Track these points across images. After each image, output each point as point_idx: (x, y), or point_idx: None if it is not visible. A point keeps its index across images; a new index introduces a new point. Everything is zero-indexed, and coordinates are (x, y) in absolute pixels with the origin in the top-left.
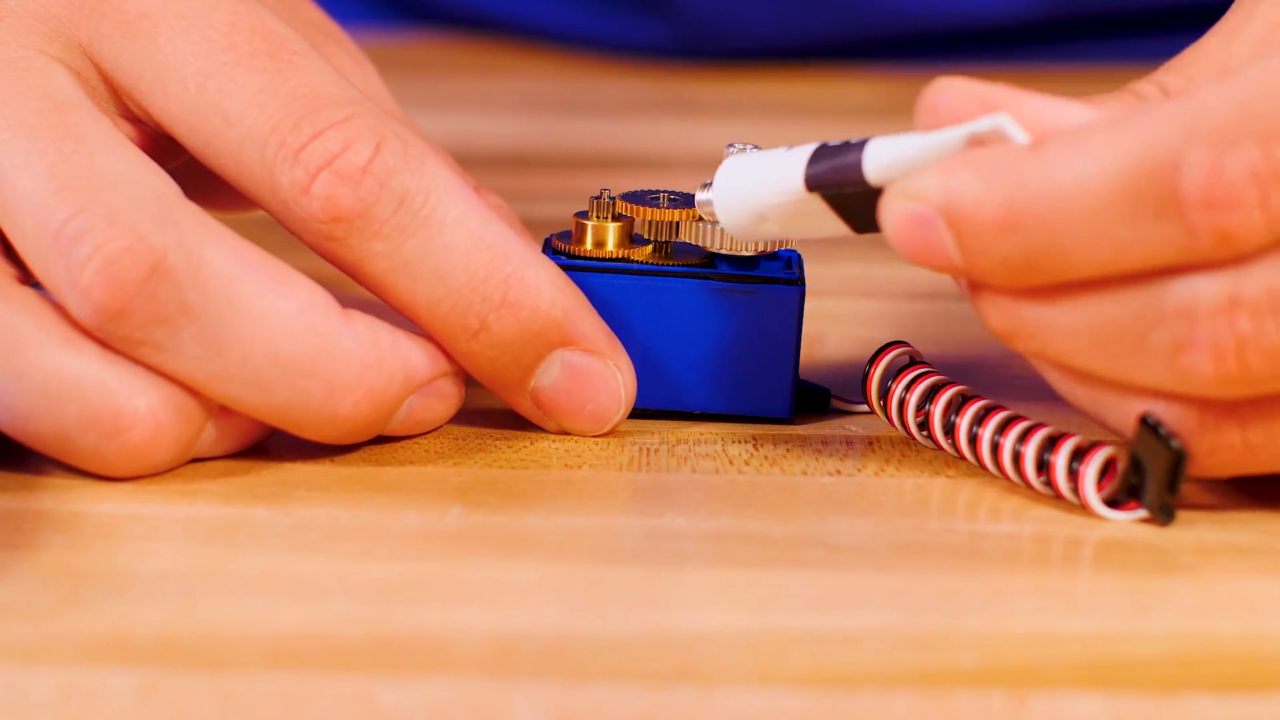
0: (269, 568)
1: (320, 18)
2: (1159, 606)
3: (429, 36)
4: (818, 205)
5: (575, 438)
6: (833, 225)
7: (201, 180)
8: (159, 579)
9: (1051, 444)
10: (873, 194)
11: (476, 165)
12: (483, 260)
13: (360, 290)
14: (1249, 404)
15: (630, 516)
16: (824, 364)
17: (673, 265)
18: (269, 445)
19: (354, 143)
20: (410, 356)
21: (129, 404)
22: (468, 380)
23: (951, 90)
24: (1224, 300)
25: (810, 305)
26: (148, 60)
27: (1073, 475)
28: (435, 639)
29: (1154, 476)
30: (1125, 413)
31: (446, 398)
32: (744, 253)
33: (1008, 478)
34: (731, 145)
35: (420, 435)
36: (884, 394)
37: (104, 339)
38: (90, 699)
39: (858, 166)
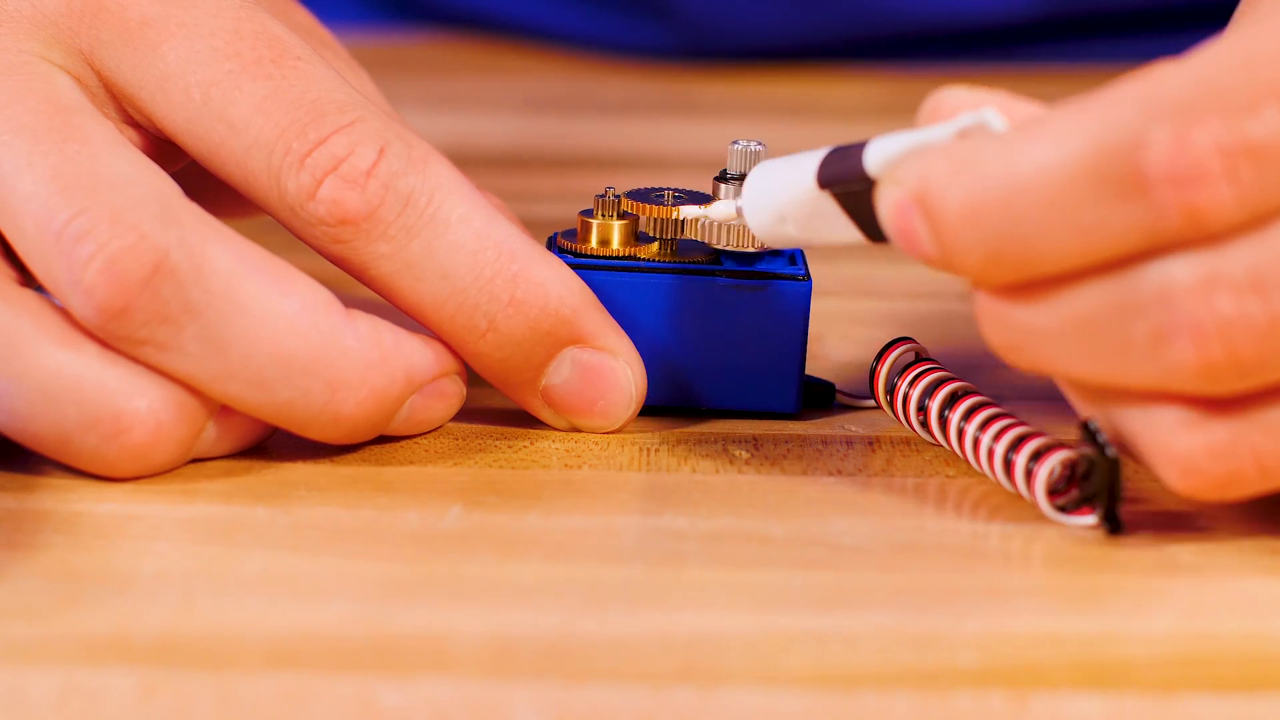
0: (269, 568)
1: (312, 23)
2: (1159, 606)
3: (429, 36)
4: (829, 205)
5: (575, 437)
6: (845, 228)
7: (202, 186)
8: (159, 579)
9: (1017, 444)
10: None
11: (476, 165)
12: (489, 259)
13: (362, 290)
14: (1248, 402)
15: (630, 516)
16: (824, 363)
17: (679, 262)
18: (269, 445)
19: (358, 146)
20: (413, 356)
21: (129, 405)
22: (469, 379)
23: (952, 97)
24: (1201, 281)
25: (811, 304)
26: (150, 69)
27: (1029, 475)
28: (435, 639)
29: (1101, 485)
30: (1135, 428)
31: (448, 397)
32: (749, 249)
33: (985, 474)
34: (736, 143)
35: (421, 435)
36: (890, 389)
37: (106, 339)
38: (90, 699)
39: (860, 161)
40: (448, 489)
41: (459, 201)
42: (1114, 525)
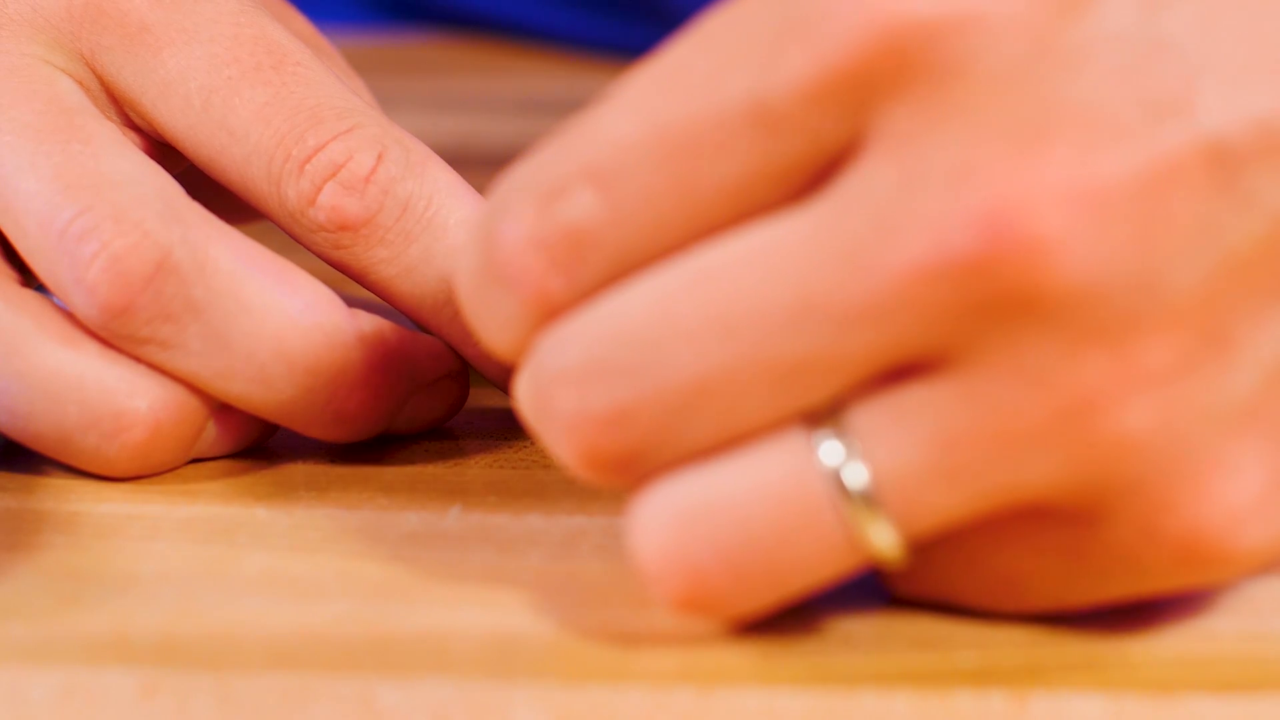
0: (269, 568)
1: (310, 31)
2: (1160, 606)
3: (429, 36)
4: None
5: None
6: None
7: (201, 190)
8: (159, 579)
9: None
10: None
11: (476, 165)
12: None
13: (363, 289)
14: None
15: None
16: None
17: None
18: (269, 445)
19: (357, 153)
20: (415, 354)
21: (129, 404)
22: (470, 379)
23: None
24: (553, 377)
25: None
26: (151, 75)
27: None
28: (435, 639)
29: None
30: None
31: (450, 396)
32: None
33: None
34: None
35: (421, 434)
36: None
37: (108, 337)
38: (90, 699)
39: None
40: (448, 489)
41: (457, 205)
42: None
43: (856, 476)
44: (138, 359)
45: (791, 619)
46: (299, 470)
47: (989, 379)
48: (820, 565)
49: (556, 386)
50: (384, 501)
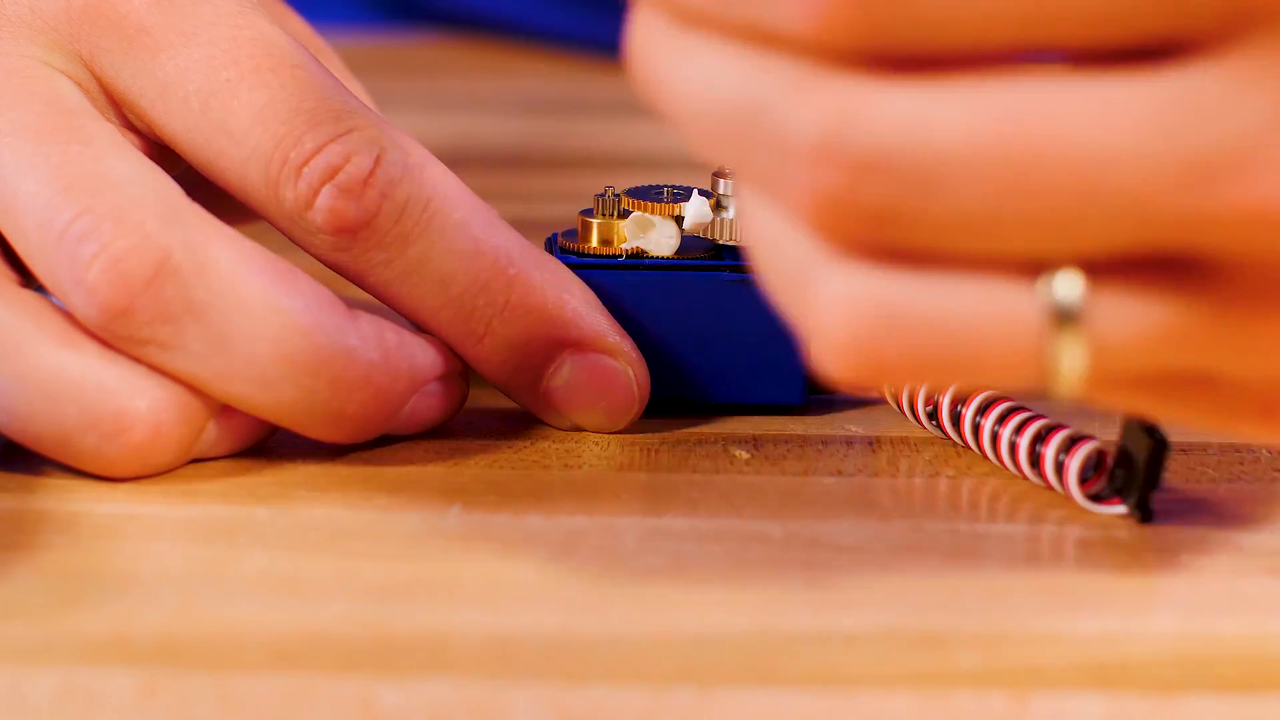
0: (269, 568)
1: (307, 32)
2: (1159, 606)
3: (429, 36)
4: None
5: (575, 437)
6: None
7: (201, 190)
8: (159, 579)
9: (1043, 436)
10: None
11: (476, 165)
12: (485, 264)
13: (364, 291)
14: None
15: (630, 516)
16: None
17: (681, 259)
18: (270, 445)
19: (355, 155)
20: (415, 355)
21: (129, 404)
22: (470, 379)
23: None
24: (816, 143)
25: None
26: (149, 77)
27: (1059, 468)
28: (435, 639)
29: (1137, 470)
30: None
31: (450, 397)
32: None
33: (1006, 468)
34: None
35: (421, 434)
36: None
37: (108, 339)
38: (90, 699)
39: None
40: (448, 489)
41: (455, 207)
42: (1145, 513)
43: (1073, 313)
44: (138, 360)
45: (792, 619)
46: (299, 470)
47: (1237, 291)
48: (999, 375)
49: (823, 165)
50: (384, 501)
